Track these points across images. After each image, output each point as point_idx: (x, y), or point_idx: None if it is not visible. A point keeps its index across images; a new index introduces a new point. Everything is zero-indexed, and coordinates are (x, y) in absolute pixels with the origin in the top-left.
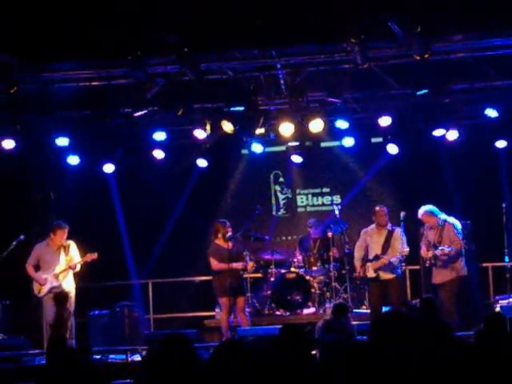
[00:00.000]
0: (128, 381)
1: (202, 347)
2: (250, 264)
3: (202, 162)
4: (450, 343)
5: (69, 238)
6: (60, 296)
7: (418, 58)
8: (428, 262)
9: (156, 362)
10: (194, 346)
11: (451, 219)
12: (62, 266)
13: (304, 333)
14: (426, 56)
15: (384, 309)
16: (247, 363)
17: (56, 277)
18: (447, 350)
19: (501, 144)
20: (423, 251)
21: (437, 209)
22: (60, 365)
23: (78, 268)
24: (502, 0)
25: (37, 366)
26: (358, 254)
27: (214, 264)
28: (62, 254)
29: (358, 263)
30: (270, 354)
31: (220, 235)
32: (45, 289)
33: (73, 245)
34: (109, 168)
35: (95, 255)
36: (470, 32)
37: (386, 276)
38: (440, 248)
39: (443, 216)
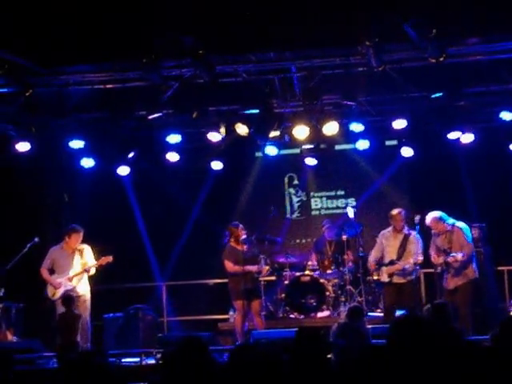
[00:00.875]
0: None
1: (216, 350)
2: (266, 268)
3: (216, 165)
4: (464, 348)
5: (83, 240)
6: (67, 298)
7: (434, 61)
8: (439, 268)
9: (171, 365)
10: (209, 350)
11: (460, 223)
12: (77, 270)
13: (320, 336)
14: (442, 59)
15: (398, 312)
16: (263, 367)
17: (70, 280)
18: (461, 355)
19: None
20: (433, 258)
21: (445, 214)
22: (72, 369)
23: (93, 271)
24: None
25: (51, 369)
26: (373, 254)
27: (229, 266)
28: (77, 258)
29: (372, 262)
30: (285, 357)
31: (234, 238)
32: (59, 292)
33: (87, 248)
34: (123, 170)
35: (110, 258)
36: (485, 35)
37: (400, 280)
38: (452, 255)
39: (451, 221)
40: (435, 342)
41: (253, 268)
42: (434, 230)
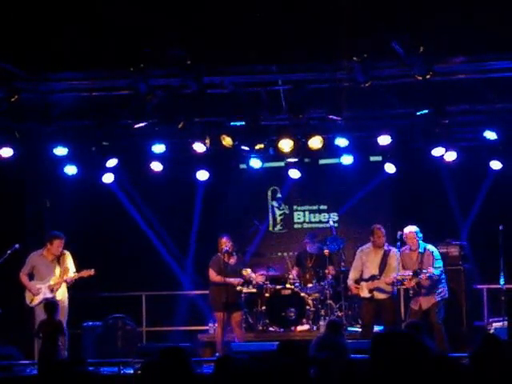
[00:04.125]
0: None
1: (196, 361)
2: (259, 277)
3: (202, 175)
4: (445, 365)
5: (63, 247)
6: (50, 304)
7: (420, 78)
8: (412, 291)
9: (151, 375)
10: (190, 361)
11: (430, 247)
12: (57, 279)
13: (302, 350)
14: (428, 76)
15: (376, 328)
16: (245, 379)
17: (50, 288)
18: (442, 372)
19: (496, 166)
20: (406, 282)
21: (420, 234)
22: (53, 376)
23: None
24: (503, 23)
25: (28, 376)
26: (353, 274)
27: (212, 275)
28: (58, 265)
29: (351, 283)
30: (267, 370)
31: (224, 251)
32: (37, 299)
33: (68, 255)
34: (108, 178)
35: (92, 272)
36: (471, 54)
37: (380, 296)
38: (424, 271)
39: (423, 244)
40: (418, 359)
41: (234, 281)
42: (408, 245)
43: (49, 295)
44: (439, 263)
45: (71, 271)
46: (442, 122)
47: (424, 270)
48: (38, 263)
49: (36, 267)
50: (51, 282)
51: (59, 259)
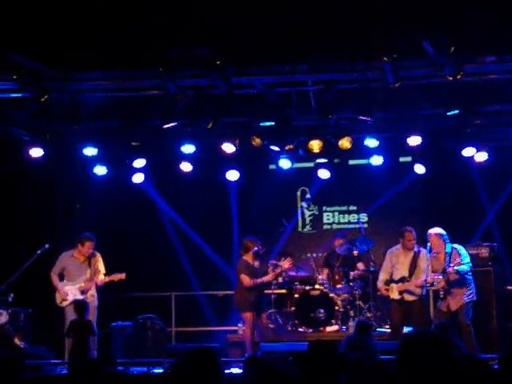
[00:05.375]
0: None
1: (224, 362)
2: (286, 263)
3: (232, 175)
4: (476, 367)
5: (94, 248)
6: (80, 305)
7: (451, 78)
8: (442, 292)
9: (181, 375)
10: (220, 361)
11: (457, 245)
12: (88, 281)
13: (333, 350)
14: (459, 77)
15: (405, 329)
16: (274, 380)
17: (80, 290)
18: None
19: None
20: (436, 282)
21: (446, 235)
22: (82, 376)
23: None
24: None
25: (58, 376)
26: (383, 276)
27: (246, 281)
28: (88, 267)
29: (381, 285)
30: (296, 370)
31: (251, 252)
32: (67, 300)
33: (99, 257)
34: (138, 178)
35: (123, 276)
36: (502, 54)
37: (410, 298)
38: (450, 265)
39: (450, 244)
40: (449, 360)
41: (268, 278)
42: (432, 248)
43: (78, 297)
44: (466, 259)
45: (101, 273)
46: (473, 122)
47: (451, 264)
48: (68, 264)
49: (66, 268)
50: (82, 284)
51: (90, 260)
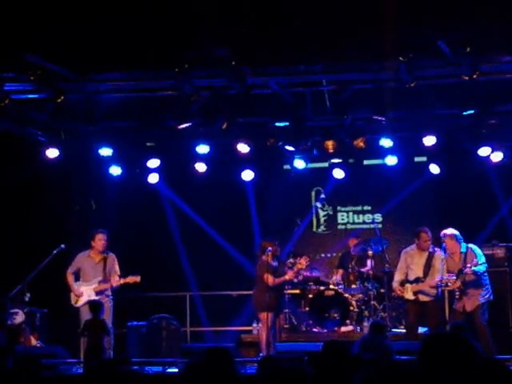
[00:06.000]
0: None
1: (239, 362)
2: (302, 261)
3: (247, 175)
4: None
5: (109, 248)
6: (95, 304)
7: (467, 78)
8: (458, 292)
9: (195, 375)
10: (235, 361)
11: (471, 245)
12: (103, 283)
13: (347, 351)
14: (475, 76)
15: (421, 330)
16: (289, 380)
17: (96, 291)
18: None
19: None
20: (450, 283)
21: (460, 236)
22: (98, 375)
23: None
24: None
25: (74, 375)
26: (398, 276)
27: (271, 280)
28: (103, 268)
29: (396, 285)
30: (311, 371)
31: (270, 253)
32: (82, 301)
33: (114, 258)
34: (153, 178)
35: (138, 278)
36: None
37: (424, 298)
38: (467, 265)
39: (464, 244)
40: (468, 361)
41: (291, 276)
42: (447, 249)
43: (93, 297)
44: (482, 259)
45: (117, 274)
46: (489, 122)
47: (468, 265)
48: (84, 264)
49: (82, 268)
50: (96, 285)
51: (105, 261)
